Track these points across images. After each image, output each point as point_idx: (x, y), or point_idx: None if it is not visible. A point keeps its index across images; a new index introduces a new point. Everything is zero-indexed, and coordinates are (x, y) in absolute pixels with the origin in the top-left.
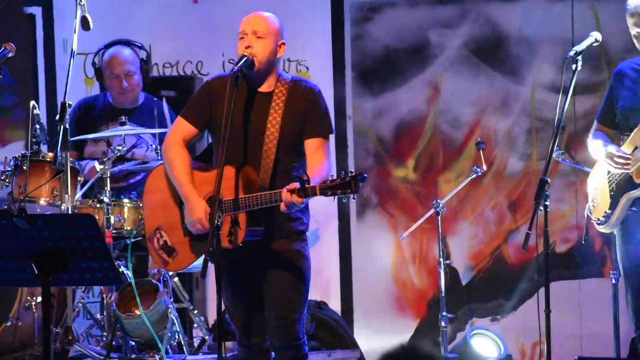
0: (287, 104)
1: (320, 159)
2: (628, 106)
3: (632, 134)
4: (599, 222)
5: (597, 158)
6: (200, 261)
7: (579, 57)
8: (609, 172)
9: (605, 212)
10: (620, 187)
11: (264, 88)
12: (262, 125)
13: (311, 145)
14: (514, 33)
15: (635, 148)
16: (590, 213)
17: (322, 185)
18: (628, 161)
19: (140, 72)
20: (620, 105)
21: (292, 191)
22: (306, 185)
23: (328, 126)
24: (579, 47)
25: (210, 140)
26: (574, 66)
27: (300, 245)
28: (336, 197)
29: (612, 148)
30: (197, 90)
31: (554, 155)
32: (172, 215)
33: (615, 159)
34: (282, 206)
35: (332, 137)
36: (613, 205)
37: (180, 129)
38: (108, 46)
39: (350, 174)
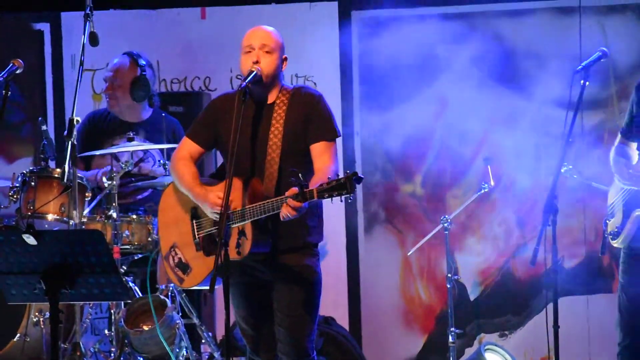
0: (288, 113)
1: (325, 162)
2: None
3: None
4: (611, 236)
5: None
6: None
7: (587, 73)
8: (622, 187)
9: (617, 227)
10: (631, 203)
11: (266, 100)
12: (265, 136)
13: (316, 149)
14: (521, 48)
15: None
16: (606, 226)
17: (319, 188)
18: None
19: (141, 81)
20: (637, 118)
21: (291, 196)
22: (304, 189)
23: (331, 129)
24: (587, 62)
25: (222, 160)
26: (582, 81)
27: (312, 261)
28: (333, 198)
29: (625, 164)
30: (203, 109)
31: (562, 171)
32: (184, 231)
33: (625, 175)
34: (282, 213)
35: (339, 147)
36: (623, 221)
37: (187, 147)
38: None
39: (345, 174)
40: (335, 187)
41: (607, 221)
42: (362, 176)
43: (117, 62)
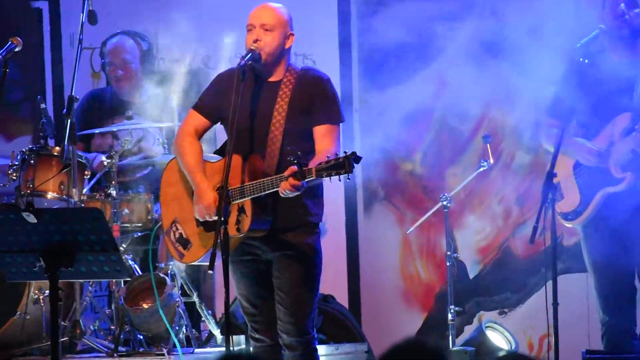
0: (294, 92)
1: (327, 145)
2: (599, 101)
3: (607, 128)
4: (568, 217)
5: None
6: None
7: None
8: (577, 167)
9: (575, 208)
10: (592, 182)
11: (272, 78)
12: (269, 113)
13: (319, 131)
14: (520, 26)
15: (611, 143)
16: (551, 210)
17: (317, 167)
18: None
19: (140, 62)
20: (587, 99)
21: (290, 174)
22: (303, 168)
23: (336, 113)
24: (585, 40)
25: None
26: (580, 59)
27: (312, 239)
28: (332, 178)
29: (587, 143)
30: (209, 82)
31: (561, 149)
32: (185, 207)
33: (594, 153)
34: (280, 189)
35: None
36: (585, 201)
37: (192, 120)
38: (112, 36)
39: (344, 154)
40: (333, 166)
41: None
42: (360, 156)
43: (122, 42)
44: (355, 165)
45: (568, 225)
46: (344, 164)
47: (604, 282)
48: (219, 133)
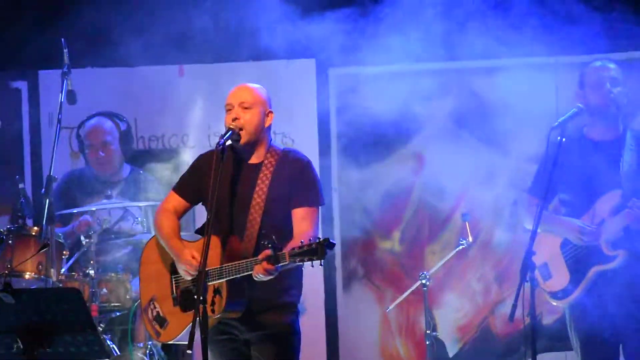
0: (275, 175)
1: (305, 228)
2: (583, 180)
3: (596, 206)
4: (557, 296)
5: (550, 231)
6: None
7: (564, 129)
8: (565, 245)
9: (565, 287)
10: (583, 260)
11: (253, 159)
12: (248, 195)
13: (298, 214)
14: (498, 105)
15: (602, 221)
16: (539, 286)
17: (290, 252)
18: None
19: (120, 143)
20: (571, 176)
21: (264, 258)
22: (277, 252)
23: (315, 195)
24: (563, 119)
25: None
26: (558, 138)
27: (291, 318)
28: (304, 263)
29: (577, 221)
30: (190, 165)
31: (547, 228)
32: (163, 285)
33: (586, 232)
34: (254, 273)
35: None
36: (576, 280)
37: (172, 200)
38: (90, 117)
39: (317, 240)
40: (306, 252)
41: (541, 282)
42: (334, 242)
43: (101, 124)
44: (328, 251)
45: (555, 304)
46: (316, 250)
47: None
48: (198, 211)
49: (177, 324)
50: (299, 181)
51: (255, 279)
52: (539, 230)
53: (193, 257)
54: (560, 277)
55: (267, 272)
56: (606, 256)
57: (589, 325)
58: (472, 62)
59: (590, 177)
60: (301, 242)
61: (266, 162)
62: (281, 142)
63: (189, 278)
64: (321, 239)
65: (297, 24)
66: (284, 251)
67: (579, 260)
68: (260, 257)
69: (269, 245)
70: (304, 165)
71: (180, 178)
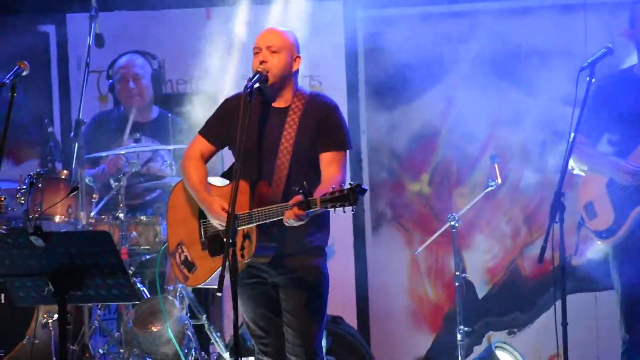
0: (302, 119)
1: (333, 173)
2: (633, 114)
3: None
4: (602, 235)
5: (595, 170)
6: (217, 275)
7: (593, 70)
8: (610, 185)
9: (610, 226)
10: (627, 200)
11: (280, 103)
12: (276, 140)
13: (325, 158)
14: (526, 46)
15: None
16: (584, 224)
17: (322, 198)
18: None
19: (151, 80)
20: (620, 113)
21: (295, 204)
22: (308, 198)
23: (342, 140)
24: (593, 59)
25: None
26: (587, 78)
27: (318, 261)
28: (336, 209)
29: (622, 161)
30: (217, 108)
31: (568, 168)
32: (191, 229)
33: (632, 172)
34: (285, 218)
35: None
36: (619, 219)
37: (198, 145)
38: (121, 55)
39: (349, 186)
40: (338, 198)
41: (587, 220)
42: (365, 188)
43: (133, 59)
44: (360, 197)
45: (600, 243)
46: (348, 196)
47: (630, 300)
48: (226, 155)
49: (205, 269)
50: (326, 125)
51: (286, 224)
52: (585, 169)
53: (223, 209)
54: (605, 217)
55: (298, 217)
56: None
57: (629, 266)
58: (500, 3)
59: (636, 116)
60: (332, 187)
61: (293, 106)
62: (309, 84)
63: (221, 229)
64: (353, 184)
65: None
66: (315, 197)
67: (624, 200)
68: (291, 202)
69: (300, 191)
70: (331, 109)
71: (207, 121)
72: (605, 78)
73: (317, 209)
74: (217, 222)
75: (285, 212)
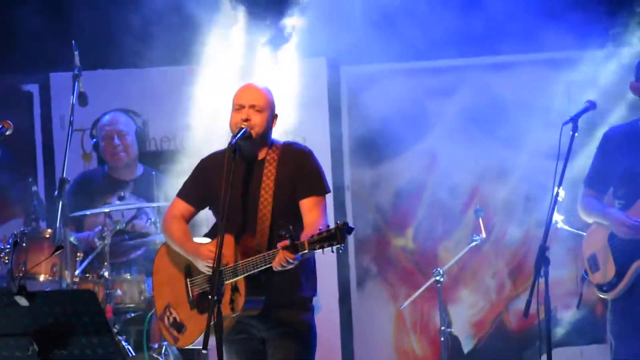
0: (279, 169)
1: (315, 217)
2: (633, 170)
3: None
4: (603, 288)
5: (595, 222)
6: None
7: (576, 124)
8: (612, 238)
9: (611, 280)
10: (628, 254)
11: (256, 156)
12: (256, 192)
13: (305, 205)
14: (510, 100)
15: None
16: (588, 277)
17: (309, 240)
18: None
19: (136, 137)
20: (621, 169)
21: (283, 247)
22: (295, 241)
23: (320, 184)
24: (575, 114)
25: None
26: (570, 133)
27: (307, 316)
28: (324, 249)
29: (621, 214)
30: (193, 169)
31: (552, 222)
32: (178, 290)
33: (628, 225)
34: (275, 263)
35: (330, 201)
36: (620, 273)
37: (178, 207)
38: (105, 113)
39: (335, 225)
40: (326, 238)
41: (590, 273)
42: (352, 226)
43: (117, 117)
44: (347, 235)
45: (605, 297)
46: (335, 235)
47: (623, 354)
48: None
49: (195, 328)
50: (302, 172)
51: (276, 269)
52: (590, 221)
53: (211, 251)
54: (606, 270)
55: (288, 261)
56: None
57: (627, 321)
58: (483, 58)
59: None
60: (319, 229)
61: (269, 157)
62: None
63: (211, 273)
64: (339, 223)
65: (307, 23)
66: (302, 240)
67: (624, 253)
68: (279, 246)
69: (287, 235)
70: (306, 155)
71: (184, 184)
72: (614, 130)
73: (305, 251)
74: (205, 265)
75: (276, 256)
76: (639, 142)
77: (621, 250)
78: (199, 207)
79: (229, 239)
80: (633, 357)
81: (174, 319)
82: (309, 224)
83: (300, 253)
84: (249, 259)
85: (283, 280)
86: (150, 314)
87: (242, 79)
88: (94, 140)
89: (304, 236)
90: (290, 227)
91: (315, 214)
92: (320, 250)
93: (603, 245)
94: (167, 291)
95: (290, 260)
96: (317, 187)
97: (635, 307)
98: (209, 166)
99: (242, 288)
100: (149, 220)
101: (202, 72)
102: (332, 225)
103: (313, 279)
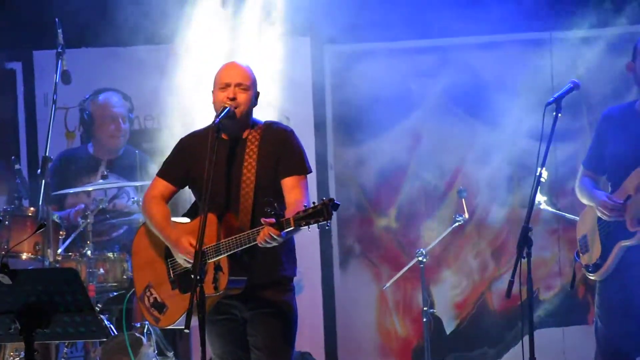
0: (261, 148)
1: (297, 196)
2: (620, 153)
3: (625, 182)
4: (589, 269)
5: (588, 204)
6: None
7: (559, 104)
8: (599, 219)
9: (596, 260)
10: (612, 235)
11: (238, 135)
12: (238, 171)
13: (287, 184)
14: (493, 80)
15: (628, 197)
16: (579, 259)
17: (295, 216)
18: (621, 210)
19: (128, 120)
20: (611, 151)
21: (269, 224)
22: (280, 219)
23: (302, 164)
24: (559, 94)
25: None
26: (554, 113)
27: (288, 296)
28: (310, 226)
29: (603, 196)
30: (172, 148)
31: (535, 202)
32: (159, 270)
33: (609, 207)
34: (260, 239)
35: (313, 180)
36: (604, 254)
37: (158, 186)
38: (98, 92)
39: (322, 201)
40: (312, 214)
41: (580, 254)
42: (338, 202)
43: (113, 98)
44: (334, 211)
45: (592, 277)
46: (322, 211)
47: (607, 339)
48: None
49: (177, 307)
50: (284, 151)
51: (260, 245)
52: (584, 202)
53: (191, 244)
54: (594, 251)
55: (273, 237)
56: (629, 232)
57: (612, 303)
58: (468, 38)
59: (632, 151)
60: (304, 205)
61: (250, 137)
62: (277, 118)
63: (189, 266)
64: (325, 200)
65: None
66: (287, 217)
67: (608, 235)
68: (263, 221)
69: (272, 212)
70: (287, 134)
71: (164, 163)
72: (611, 111)
73: (291, 228)
74: (183, 259)
75: (260, 232)
76: (630, 124)
77: (606, 231)
78: (179, 186)
79: (211, 218)
80: (617, 338)
81: (155, 299)
82: (290, 203)
83: (285, 230)
84: (232, 237)
85: (265, 260)
86: (129, 294)
87: (225, 57)
88: (87, 112)
89: (288, 214)
90: (275, 204)
91: (297, 193)
92: (306, 227)
93: (592, 226)
94: (147, 271)
95: (275, 237)
96: (299, 166)
97: (620, 289)
98: (190, 145)
99: (225, 267)
100: (131, 200)
101: (184, 51)
102: (324, 197)
103: (293, 259)
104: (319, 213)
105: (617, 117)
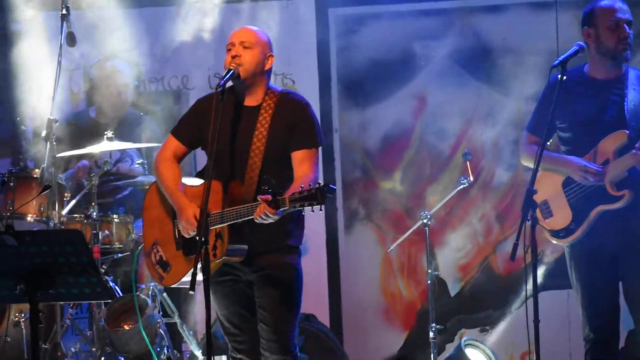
0: (274, 118)
1: (305, 171)
2: (583, 117)
3: (600, 146)
4: (559, 235)
5: (547, 169)
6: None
7: (564, 67)
8: (567, 184)
9: (568, 225)
10: (589, 200)
11: (252, 101)
12: (248, 139)
13: (297, 157)
14: (498, 44)
15: (606, 161)
16: (538, 223)
17: (290, 197)
18: (601, 175)
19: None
20: (570, 115)
21: (264, 202)
22: (277, 197)
23: (314, 137)
24: (564, 57)
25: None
26: (559, 76)
27: (292, 258)
28: (304, 208)
29: (581, 161)
30: (189, 108)
31: (549, 166)
32: (166, 229)
33: (591, 172)
34: (255, 215)
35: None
36: (579, 219)
37: (171, 145)
38: (105, 60)
39: (317, 185)
40: (306, 197)
41: (542, 219)
42: (334, 187)
43: (120, 66)
44: (328, 196)
45: (556, 242)
46: (315, 195)
47: (589, 300)
48: (199, 154)
49: (180, 268)
50: (298, 123)
51: (256, 221)
52: (539, 169)
53: (195, 217)
54: (561, 216)
55: (268, 215)
56: (611, 196)
57: (590, 265)
58: (473, 0)
59: (593, 116)
60: (301, 187)
61: (265, 104)
62: (282, 83)
63: (187, 236)
64: (321, 184)
65: None
66: (284, 196)
67: (583, 199)
68: (260, 198)
69: (269, 190)
70: (302, 106)
71: (179, 122)
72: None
73: (286, 208)
74: (183, 227)
75: (256, 209)
76: (586, 88)
77: (579, 196)
78: (191, 147)
79: (217, 186)
80: (598, 294)
81: (160, 257)
82: (298, 177)
83: (282, 209)
84: (234, 208)
85: (268, 229)
86: (138, 251)
87: (227, 22)
88: (91, 76)
89: (290, 191)
90: (274, 181)
91: (305, 167)
92: (301, 208)
93: (557, 191)
94: (156, 228)
95: (270, 215)
96: (311, 139)
97: (595, 250)
98: (204, 107)
99: (225, 236)
100: (134, 162)
101: (188, 12)
102: (321, 181)
103: (300, 228)
104: (312, 197)
105: (569, 83)
